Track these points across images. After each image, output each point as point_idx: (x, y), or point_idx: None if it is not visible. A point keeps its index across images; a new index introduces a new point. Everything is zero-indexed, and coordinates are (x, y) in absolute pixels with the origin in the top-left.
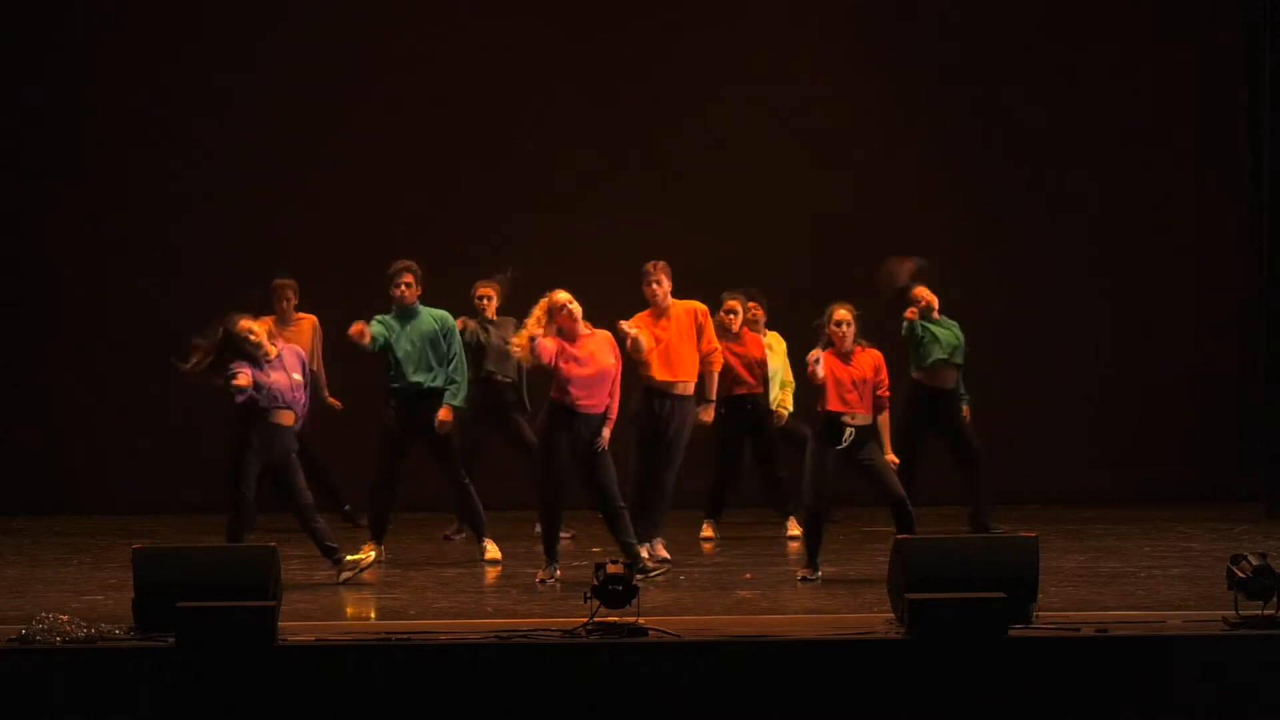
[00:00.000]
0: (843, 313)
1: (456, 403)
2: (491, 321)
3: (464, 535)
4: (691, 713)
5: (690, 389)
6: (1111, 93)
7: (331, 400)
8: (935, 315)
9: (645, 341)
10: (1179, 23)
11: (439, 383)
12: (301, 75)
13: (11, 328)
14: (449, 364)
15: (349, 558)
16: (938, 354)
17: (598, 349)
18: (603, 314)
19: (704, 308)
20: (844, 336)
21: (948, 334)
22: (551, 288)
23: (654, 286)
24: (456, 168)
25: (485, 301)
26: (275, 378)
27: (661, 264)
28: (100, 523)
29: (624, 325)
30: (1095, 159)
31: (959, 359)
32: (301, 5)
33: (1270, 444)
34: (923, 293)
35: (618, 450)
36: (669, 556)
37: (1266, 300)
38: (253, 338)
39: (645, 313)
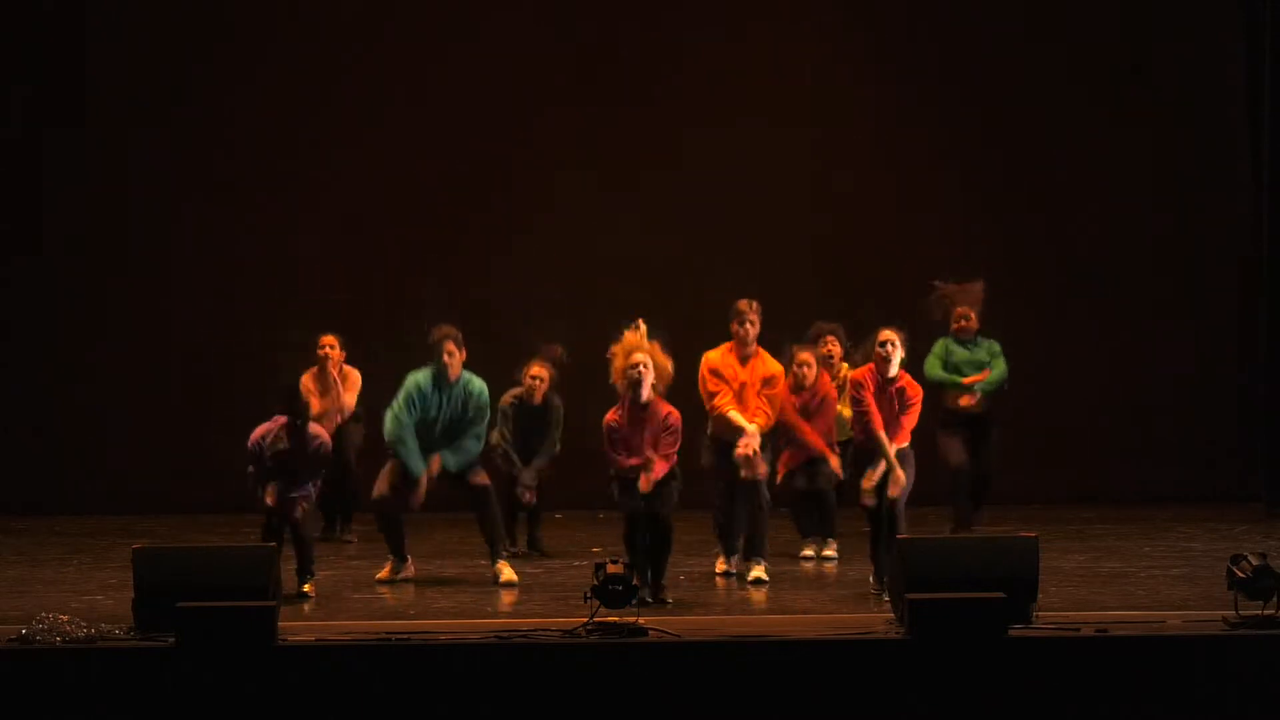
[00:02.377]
0: (888, 333)
1: (451, 466)
2: (535, 407)
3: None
4: (691, 713)
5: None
6: (1111, 93)
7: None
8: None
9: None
10: (1179, 23)
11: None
12: (303, 77)
13: (12, 327)
14: (468, 431)
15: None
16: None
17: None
18: (603, 317)
19: (782, 372)
20: (888, 359)
21: (962, 354)
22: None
23: (748, 327)
24: (456, 168)
25: (537, 383)
26: (282, 449)
27: (756, 303)
28: (100, 523)
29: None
30: (1095, 159)
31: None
32: (304, 6)
33: (1270, 444)
34: (961, 307)
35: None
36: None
37: (1267, 301)
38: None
39: (727, 347)
